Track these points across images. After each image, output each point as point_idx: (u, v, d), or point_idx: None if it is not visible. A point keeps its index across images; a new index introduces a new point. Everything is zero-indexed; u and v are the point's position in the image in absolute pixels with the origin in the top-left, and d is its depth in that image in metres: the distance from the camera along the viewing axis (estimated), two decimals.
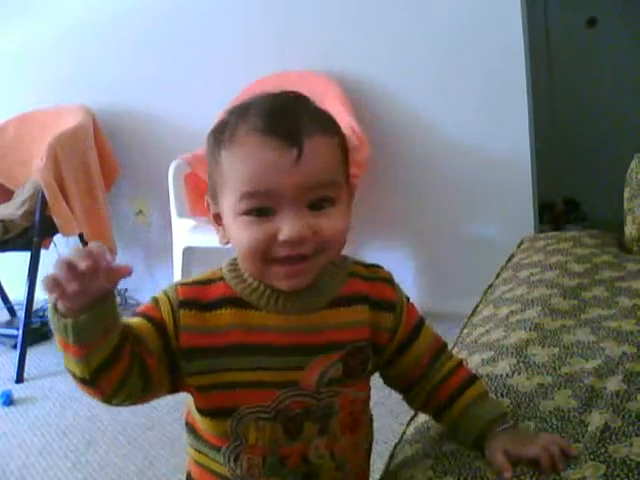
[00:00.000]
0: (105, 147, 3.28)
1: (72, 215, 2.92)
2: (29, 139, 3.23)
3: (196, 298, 0.87)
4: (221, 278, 0.90)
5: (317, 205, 0.83)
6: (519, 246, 1.87)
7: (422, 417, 1.13)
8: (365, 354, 0.92)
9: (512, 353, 1.20)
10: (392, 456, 1.08)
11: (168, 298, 0.87)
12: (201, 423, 0.91)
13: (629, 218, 1.69)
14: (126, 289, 3.54)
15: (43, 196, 2.81)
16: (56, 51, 3.45)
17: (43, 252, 3.00)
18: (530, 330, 1.28)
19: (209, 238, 2.61)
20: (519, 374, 1.13)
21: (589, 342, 1.19)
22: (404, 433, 1.13)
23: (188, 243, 2.63)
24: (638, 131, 3.32)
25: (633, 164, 1.73)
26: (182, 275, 2.59)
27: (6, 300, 3.49)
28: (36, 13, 3.46)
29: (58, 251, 3.37)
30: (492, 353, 1.23)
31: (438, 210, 2.91)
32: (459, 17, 2.71)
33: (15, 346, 2.86)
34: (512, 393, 1.08)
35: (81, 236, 3.09)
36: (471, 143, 2.79)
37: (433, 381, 0.98)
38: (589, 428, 0.96)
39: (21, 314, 2.90)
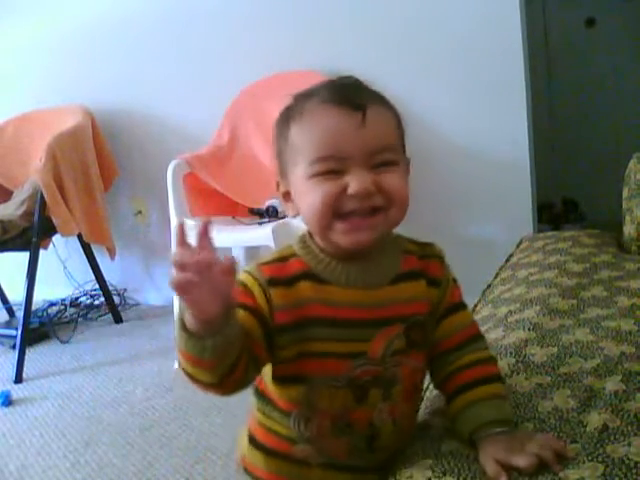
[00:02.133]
0: (104, 147, 3.28)
1: (71, 215, 2.92)
2: (28, 139, 3.23)
3: (279, 275, 0.93)
4: (294, 254, 0.97)
5: (380, 166, 0.90)
6: (518, 246, 1.87)
7: (421, 415, 1.13)
8: (424, 327, 0.98)
9: (511, 353, 1.20)
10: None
11: (255, 279, 0.93)
12: (274, 389, 0.98)
13: (628, 218, 1.69)
14: (125, 289, 3.54)
15: (42, 196, 2.82)
16: (56, 52, 3.45)
17: (42, 252, 3.00)
18: (529, 330, 1.28)
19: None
20: (518, 374, 1.13)
21: (588, 342, 1.19)
22: None
23: None
24: (637, 131, 3.32)
25: (632, 164, 1.73)
26: None
27: (5, 300, 3.49)
28: (36, 14, 3.46)
29: (57, 251, 3.38)
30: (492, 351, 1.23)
31: (437, 210, 2.91)
32: (458, 18, 2.71)
33: (14, 346, 2.86)
34: (511, 393, 1.08)
35: (80, 236, 3.09)
36: (471, 143, 2.79)
37: (458, 363, 1.01)
38: (587, 428, 0.96)
39: (20, 314, 2.90)
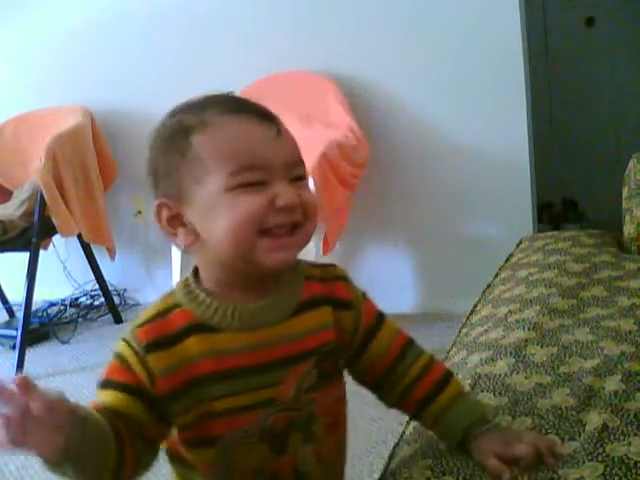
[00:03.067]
0: (104, 148, 3.28)
1: (71, 215, 2.92)
2: (28, 140, 3.23)
3: (158, 336, 0.84)
4: (176, 305, 0.87)
5: (297, 180, 0.86)
6: (518, 246, 1.87)
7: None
8: (335, 355, 0.92)
9: (511, 353, 1.20)
10: (391, 456, 1.08)
11: (131, 348, 0.83)
12: (189, 454, 0.89)
13: (628, 218, 1.69)
14: (125, 289, 3.54)
15: (42, 197, 2.81)
16: (56, 52, 3.45)
17: (42, 252, 3.00)
18: (529, 330, 1.28)
19: None
20: (518, 373, 1.13)
21: (588, 342, 1.19)
22: (403, 433, 1.13)
23: None
24: (637, 131, 3.33)
25: (631, 164, 1.73)
26: (181, 275, 2.58)
27: (5, 301, 3.49)
28: (36, 14, 3.46)
29: (57, 251, 3.38)
30: (491, 352, 1.23)
31: (437, 211, 2.91)
32: (457, 18, 2.71)
33: (14, 347, 2.86)
34: (510, 392, 1.08)
35: (80, 236, 3.09)
36: (470, 143, 2.79)
37: (406, 379, 0.96)
38: (587, 427, 0.96)
39: (20, 315, 2.90)
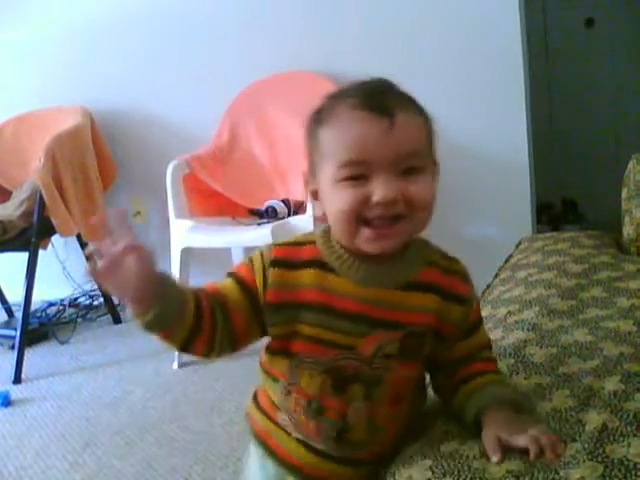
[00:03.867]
0: (103, 148, 3.28)
1: (70, 216, 2.92)
2: (27, 140, 3.23)
3: (287, 257, 0.97)
4: (313, 242, 0.99)
5: (406, 173, 0.91)
6: (517, 246, 1.87)
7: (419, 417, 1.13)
8: (423, 339, 0.98)
9: (510, 354, 1.20)
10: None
11: (262, 257, 0.97)
12: (266, 359, 1.03)
13: (627, 219, 1.69)
14: None
15: (41, 197, 2.82)
16: (56, 52, 3.45)
17: (41, 253, 3.00)
18: (528, 330, 1.28)
19: (207, 238, 2.62)
20: (517, 374, 1.13)
21: (587, 342, 1.19)
22: None
23: (186, 244, 2.62)
24: (636, 132, 3.33)
25: (631, 165, 1.73)
26: (180, 276, 2.59)
27: (4, 301, 3.49)
28: (36, 13, 3.46)
29: (56, 251, 3.37)
30: None
31: (437, 211, 2.90)
32: (457, 18, 2.71)
33: (13, 347, 2.85)
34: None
35: (79, 237, 3.09)
36: (470, 144, 2.79)
37: (462, 361, 1.03)
38: (587, 428, 0.96)
39: (19, 315, 2.90)
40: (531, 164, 2.79)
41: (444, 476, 0.93)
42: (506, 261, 1.79)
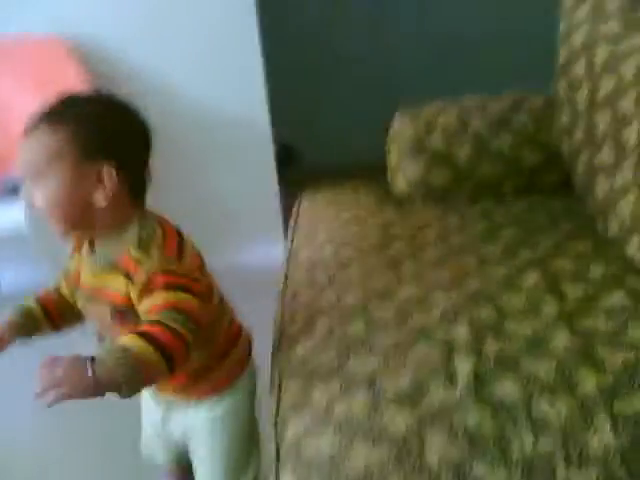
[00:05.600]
0: None
1: None
2: None
3: None
4: None
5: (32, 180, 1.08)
6: (299, 205, 1.94)
7: (292, 387, 1.18)
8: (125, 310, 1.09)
9: (356, 314, 1.29)
10: (277, 433, 1.12)
11: None
12: None
13: (400, 174, 1.84)
14: None
15: None
16: None
17: None
18: (361, 290, 1.38)
19: None
20: (374, 334, 1.23)
21: (419, 296, 1.32)
22: (278, 408, 1.17)
23: None
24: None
25: (398, 122, 1.88)
26: None
27: None
28: None
29: None
30: (337, 317, 1.31)
31: (182, 173, 2.89)
32: None
33: None
34: (377, 348, 1.19)
35: None
36: (207, 103, 2.81)
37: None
38: (459, 374, 1.09)
39: None
40: (267, 112, 2.86)
41: (352, 442, 1.00)
42: (295, 221, 1.85)
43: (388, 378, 1.11)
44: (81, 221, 1.08)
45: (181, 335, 0.96)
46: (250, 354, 1.32)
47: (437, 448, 0.97)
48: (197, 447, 1.29)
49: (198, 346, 1.05)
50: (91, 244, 1.14)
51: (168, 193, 2.92)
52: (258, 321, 1.36)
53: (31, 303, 1.22)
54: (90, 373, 0.87)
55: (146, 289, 1.02)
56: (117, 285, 1.07)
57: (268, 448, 1.11)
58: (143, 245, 1.06)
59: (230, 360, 1.25)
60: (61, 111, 1.06)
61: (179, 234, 1.12)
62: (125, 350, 0.92)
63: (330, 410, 1.08)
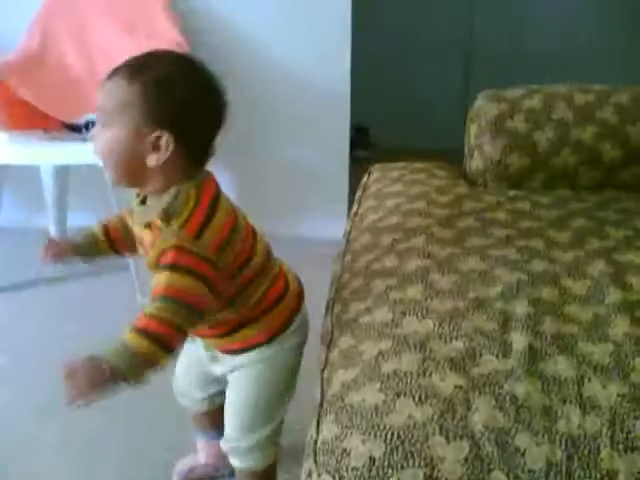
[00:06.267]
0: None
1: None
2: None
3: None
4: None
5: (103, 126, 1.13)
6: (369, 176, 1.94)
7: (344, 342, 1.19)
8: None
9: (417, 280, 1.29)
10: (323, 381, 1.13)
11: None
12: None
13: (477, 152, 1.82)
14: None
15: None
16: None
17: None
18: (424, 258, 1.37)
19: (25, 153, 2.43)
20: (431, 299, 1.22)
21: (483, 270, 1.31)
22: (327, 359, 1.18)
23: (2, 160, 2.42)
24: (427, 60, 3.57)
25: (481, 102, 1.85)
26: None
27: None
28: None
29: None
30: (395, 280, 1.31)
31: (260, 136, 2.91)
32: None
33: None
34: (432, 313, 1.17)
35: None
36: (294, 68, 2.82)
37: None
38: (514, 347, 1.08)
39: None
40: (348, 92, 2.87)
41: (398, 396, 1.00)
42: (363, 190, 1.86)
43: (441, 341, 1.11)
44: (131, 175, 1.12)
45: (172, 322, 1.05)
46: (299, 308, 1.33)
47: (482, 413, 0.96)
48: (239, 378, 1.30)
49: (225, 306, 1.19)
50: (144, 197, 1.18)
51: (241, 156, 2.99)
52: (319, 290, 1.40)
53: (95, 228, 1.29)
54: (106, 366, 1.00)
55: (157, 260, 1.08)
56: (149, 241, 1.15)
57: (313, 395, 1.12)
58: (167, 215, 1.09)
59: (273, 314, 1.26)
60: (142, 66, 1.08)
61: (212, 206, 1.13)
62: (125, 346, 1.03)
63: (379, 365, 1.08)
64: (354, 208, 1.77)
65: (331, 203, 2.91)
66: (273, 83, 2.84)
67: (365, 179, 1.94)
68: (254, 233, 1.23)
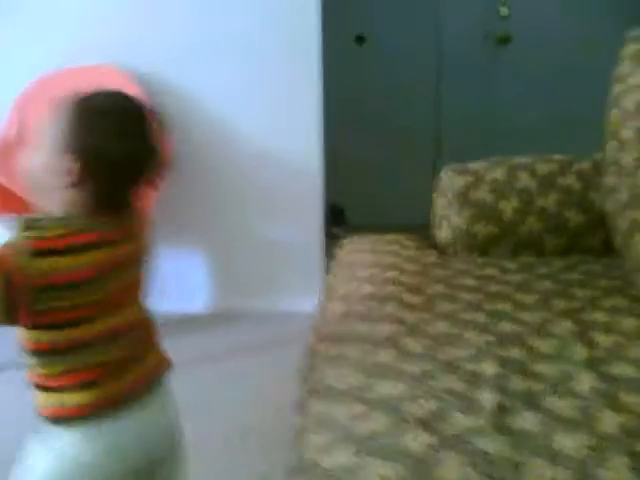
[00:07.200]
0: None
1: None
2: None
3: None
4: None
5: None
6: (343, 247, 1.98)
7: (317, 407, 1.20)
8: None
9: (389, 345, 1.31)
10: (297, 445, 1.14)
11: None
12: None
13: (445, 223, 1.88)
14: None
15: None
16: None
17: None
18: (395, 323, 1.40)
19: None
20: (402, 363, 1.25)
21: (452, 333, 1.34)
22: (301, 424, 1.19)
23: None
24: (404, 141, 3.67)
25: (446, 177, 1.92)
26: None
27: None
28: None
29: None
30: (368, 346, 1.33)
31: (234, 213, 2.96)
32: (255, 23, 2.80)
33: None
34: (403, 376, 1.20)
35: None
36: (266, 147, 2.89)
37: None
38: (484, 404, 1.10)
39: None
40: (322, 169, 2.95)
41: (371, 457, 1.01)
42: (337, 261, 1.89)
43: (413, 403, 1.13)
44: (40, 193, 1.11)
45: None
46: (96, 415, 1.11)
47: (454, 470, 0.98)
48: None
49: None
50: None
51: (215, 232, 3.04)
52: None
53: None
54: None
55: None
56: None
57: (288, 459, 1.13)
58: (28, 224, 1.05)
59: (59, 397, 1.11)
60: (79, 99, 1.08)
61: (69, 250, 1.05)
62: None
63: (353, 428, 1.10)
64: (328, 278, 1.81)
65: (306, 278, 2.94)
66: (246, 160, 2.91)
67: (339, 251, 1.98)
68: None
